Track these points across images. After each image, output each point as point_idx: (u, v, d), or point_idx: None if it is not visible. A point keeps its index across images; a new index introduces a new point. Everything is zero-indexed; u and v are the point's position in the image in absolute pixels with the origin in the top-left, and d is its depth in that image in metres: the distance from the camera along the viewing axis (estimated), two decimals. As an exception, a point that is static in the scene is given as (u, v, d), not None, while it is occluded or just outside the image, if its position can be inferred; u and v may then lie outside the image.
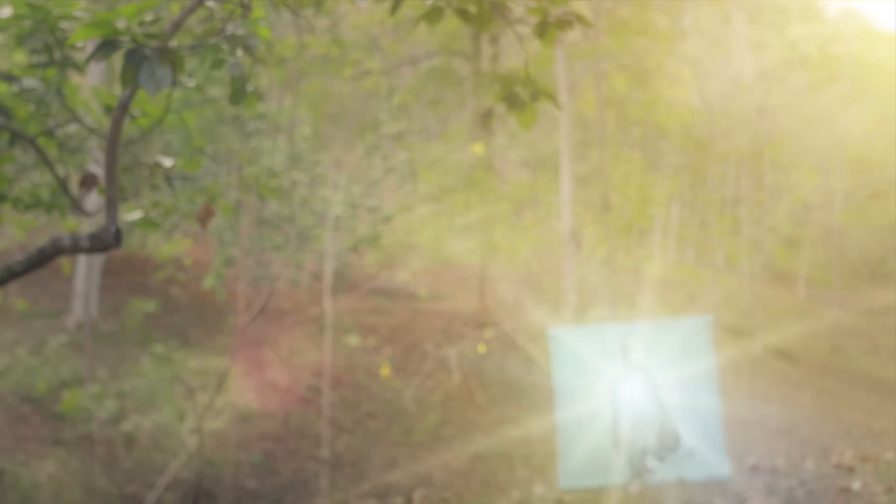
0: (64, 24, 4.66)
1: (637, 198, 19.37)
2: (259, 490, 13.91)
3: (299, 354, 17.42)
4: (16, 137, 4.63)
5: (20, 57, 6.31)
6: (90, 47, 3.11)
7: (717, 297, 21.70)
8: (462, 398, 17.63)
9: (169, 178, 5.11)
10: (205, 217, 4.97)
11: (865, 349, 26.31)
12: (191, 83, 5.34)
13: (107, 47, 2.69)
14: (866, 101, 32.18)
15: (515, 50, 19.86)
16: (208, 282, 16.47)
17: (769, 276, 32.01)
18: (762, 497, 6.73)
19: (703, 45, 22.88)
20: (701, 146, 21.75)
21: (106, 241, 3.06)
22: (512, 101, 3.58)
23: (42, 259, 3.15)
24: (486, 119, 19.19)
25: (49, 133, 4.83)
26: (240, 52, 3.30)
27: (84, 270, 16.58)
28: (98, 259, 17.36)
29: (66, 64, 4.67)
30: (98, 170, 5.47)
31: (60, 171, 5.26)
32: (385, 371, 17.06)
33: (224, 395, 14.63)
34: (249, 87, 3.76)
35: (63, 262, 14.28)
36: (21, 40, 4.72)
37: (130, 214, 5.98)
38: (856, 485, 6.72)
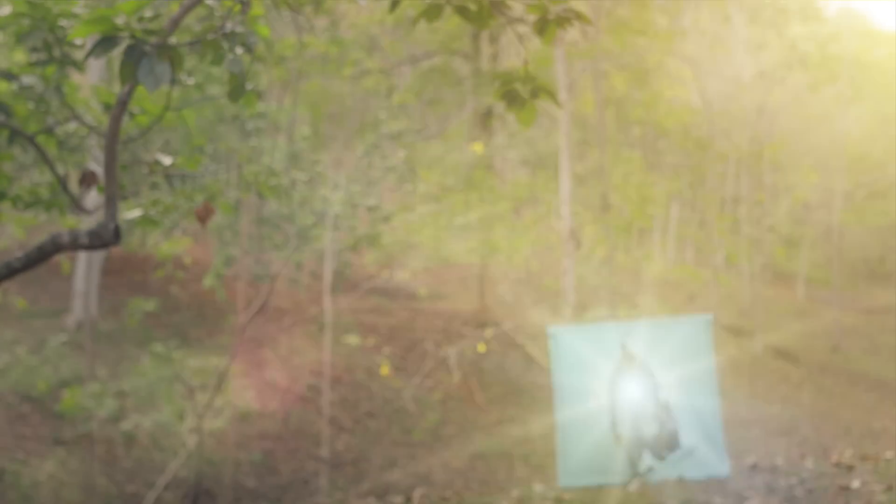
0: (63, 22, 4.66)
1: (636, 197, 19.36)
2: (259, 489, 13.91)
3: (299, 354, 17.42)
4: (15, 135, 4.63)
5: (20, 56, 6.31)
6: (90, 45, 3.11)
7: (716, 297, 21.71)
8: (462, 397, 17.63)
9: (168, 175, 5.11)
10: (204, 215, 4.96)
11: (865, 349, 26.32)
12: (190, 81, 5.34)
13: (106, 43, 2.68)
14: (865, 100, 32.17)
15: (515, 49, 19.86)
16: (208, 281, 16.49)
17: (769, 276, 32.02)
18: (762, 496, 6.73)
19: (702, 45, 22.89)
20: (700, 146, 21.76)
21: (105, 237, 3.06)
22: (511, 98, 3.58)
23: (41, 256, 3.15)
24: (485, 118, 19.20)
25: (48, 131, 4.83)
26: (239, 50, 3.30)
27: (84, 269, 16.57)
28: (98, 258, 17.36)
29: (66, 62, 4.67)
30: (97, 168, 5.47)
31: (60, 169, 5.26)
32: (385, 370, 17.06)
33: (224, 395, 14.63)
34: (249, 86, 3.75)
35: (63, 261, 14.26)
36: (20, 38, 4.72)
37: (130, 212, 5.97)
38: (855, 483, 6.72)
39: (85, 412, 13.23)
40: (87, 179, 4.42)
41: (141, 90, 4.94)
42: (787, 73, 23.64)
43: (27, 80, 4.64)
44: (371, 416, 16.47)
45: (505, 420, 17.27)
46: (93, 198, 13.07)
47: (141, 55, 2.67)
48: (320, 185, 15.71)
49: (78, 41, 4.85)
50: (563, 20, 3.43)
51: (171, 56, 2.78)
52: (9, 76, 4.65)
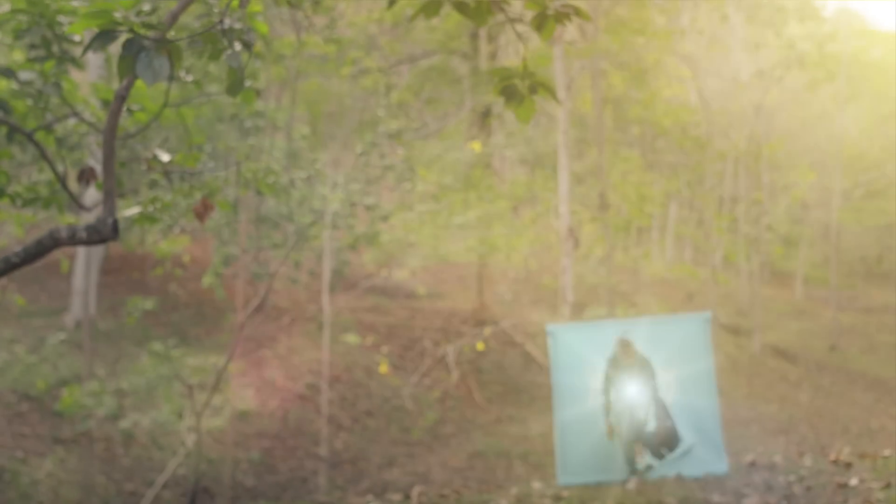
0: (61, 18, 4.66)
1: (635, 196, 19.36)
2: (257, 487, 13.92)
3: (297, 352, 17.43)
4: (14, 132, 4.63)
5: (19, 55, 6.31)
6: (88, 41, 3.11)
7: (714, 296, 21.73)
8: (460, 396, 17.64)
9: (167, 173, 5.11)
10: (203, 212, 4.96)
11: (863, 348, 26.35)
12: (188, 79, 5.34)
13: (104, 37, 2.68)
14: (863, 99, 32.22)
15: (513, 48, 19.86)
16: (207, 280, 16.48)
17: (767, 275, 32.03)
18: (760, 493, 6.73)
19: (700, 44, 22.90)
20: (699, 145, 21.76)
21: (104, 232, 3.06)
22: (510, 94, 3.57)
23: (40, 251, 3.15)
24: (484, 117, 19.20)
25: (47, 128, 4.83)
26: (237, 46, 3.30)
27: (82, 268, 16.57)
28: (96, 257, 17.36)
29: (64, 58, 4.67)
30: (97, 165, 5.47)
31: (59, 167, 5.26)
32: (383, 369, 17.06)
33: (222, 393, 14.63)
34: (247, 83, 3.76)
35: (62, 259, 14.27)
36: (18, 35, 4.71)
37: (129, 210, 5.97)
38: (853, 481, 6.73)
39: (84, 411, 13.22)
40: (86, 176, 4.43)
41: (140, 87, 4.95)
42: (785, 73, 23.65)
43: (25, 75, 4.63)
44: (370, 414, 16.48)
45: (503, 418, 17.28)
46: (91, 195, 13.07)
47: (139, 49, 2.67)
48: (319, 183, 15.71)
49: (77, 38, 4.86)
50: (562, 16, 3.43)
51: (170, 50, 2.78)
52: (7, 73, 4.64)
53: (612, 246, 18.01)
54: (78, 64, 4.85)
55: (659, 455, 7.79)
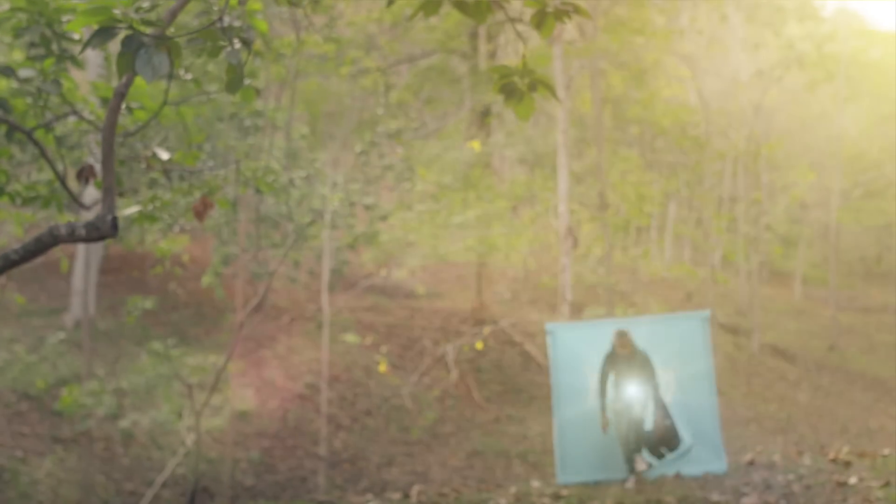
0: (62, 18, 4.66)
1: (634, 196, 19.36)
2: (256, 487, 13.91)
3: (297, 352, 17.42)
4: (13, 130, 4.63)
5: (18, 55, 6.31)
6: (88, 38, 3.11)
7: (713, 296, 21.72)
8: (459, 395, 17.64)
9: (167, 171, 5.11)
10: (202, 210, 4.97)
11: (862, 347, 26.36)
12: (187, 77, 5.34)
13: (103, 34, 2.68)
14: (862, 100, 32.23)
15: (513, 48, 19.86)
16: (206, 279, 16.48)
17: (766, 275, 32.05)
18: (759, 492, 6.74)
19: (700, 44, 22.90)
20: (698, 144, 21.76)
21: (103, 229, 3.06)
22: (510, 91, 3.57)
23: (39, 248, 3.14)
24: (483, 117, 19.20)
25: (47, 126, 4.82)
26: (237, 44, 3.31)
27: (82, 268, 16.57)
28: (96, 256, 17.35)
29: (64, 56, 4.67)
30: (96, 164, 5.47)
31: (59, 166, 5.26)
32: (383, 367, 17.06)
33: (222, 393, 14.63)
34: (247, 81, 3.76)
35: (61, 259, 14.26)
36: (17, 33, 4.71)
37: (128, 209, 5.98)
38: (852, 479, 6.73)
39: (83, 410, 13.22)
40: (85, 174, 4.42)
41: (139, 85, 4.95)
42: (785, 73, 23.66)
43: (25, 73, 4.63)
44: (369, 414, 16.48)
45: (502, 418, 17.28)
46: (91, 194, 13.06)
47: (139, 46, 2.67)
48: (318, 183, 15.71)
49: (76, 37, 4.86)
50: (562, 13, 3.43)
51: (169, 47, 2.78)
52: (7, 71, 4.64)
53: (611, 245, 18.01)
54: (77, 62, 4.85)
55: (658, 454, 7.78)
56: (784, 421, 19.60)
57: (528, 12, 3.64)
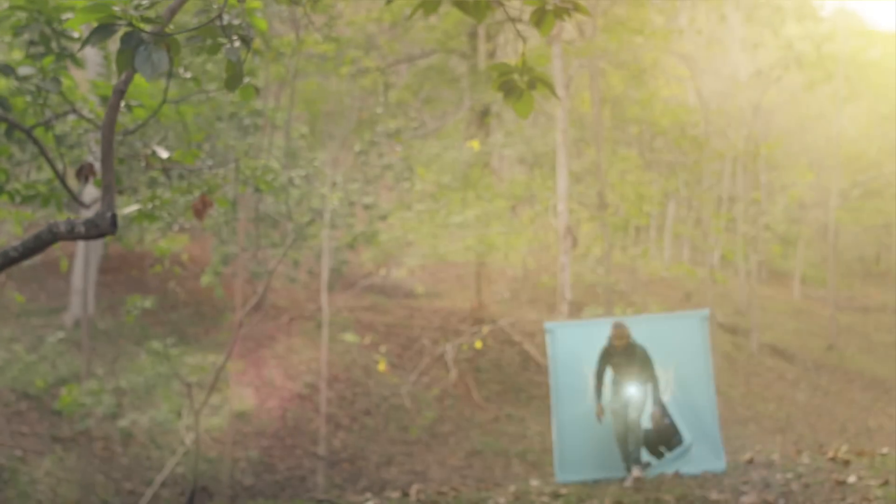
0: (62, 16, 4.66)
1: (633, 195, 19.35)
2: (256, 486, 13.92)
3: (296, 352, 17.43)
4: (13, 128, 4.63)
5: (18, 54, 6.31)
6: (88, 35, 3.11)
7: (712, 295, 21.72)
8: (459, 395, 17.65)
9: (166, 169, 5.12)
10: (201, 208, 4.97)
11: (860, 347, 26.38)
12: (187, 75, 5.35)
13: (102, 31, 2.68)
14: (861, 99, 32.25)
15: (512, 47, 19.86)
16: (206, 278, 16.49)
17: (765, 274, 32.08)
18: (758, 491, 6.73)
19: (699, 44, 22.90)
20: (697, 144, 21.75)
21: (102, 226, 3.06)
22: (509, 89, 3.57)
23: (38, 245, 3.15)
24: (482, 116, 19.21)
25: (46, 124, 4.83)
26: (236, 42, 3.32)
27: (81, 267, 16.58)
28: (95, 256, 17.35)
29: (63, 55, 4.67)
30: (95, 163, 5.48)
31: (58, 165, 5.26)
32: (382, 366, 17.07)
33: (221, 392, 14.63)
34: (246, 79, 3.76)
35: (61, 258, 14.26)
36: (17, 31, 4.71)
37: (128, 208, 5.98)
38: (851, 478, 6.73)
39: (82, 409, 13.23)
40: (85, 172, 4.43)
41: (138, 84, 4.95)
42: (783, 73, 23.66)
43: (24, 71, 4.63)
44: (368, 413, 16.48)
45: (501, 417, 17.28)
46: (90, 193, 13.05)
47: (138, 43, 2.67)
48: (317, 182, 15.72)
49: (75, 35, 4.86)
50: (561, 11, 3.43)
51: (169, 44, 2.78)
52: (6, 70, 4.65)
53: (610, 245, 18.02)
54: (77, 61, 4.86)
55: (657, 453, 7.78)
56: (783, 420, 19.62)
57: (528, 11, 3.64)
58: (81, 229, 3.09)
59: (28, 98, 4.93)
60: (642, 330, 7.68)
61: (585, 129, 20.27)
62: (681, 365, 7.89)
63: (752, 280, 25.12)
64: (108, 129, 3.03)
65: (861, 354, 25.60)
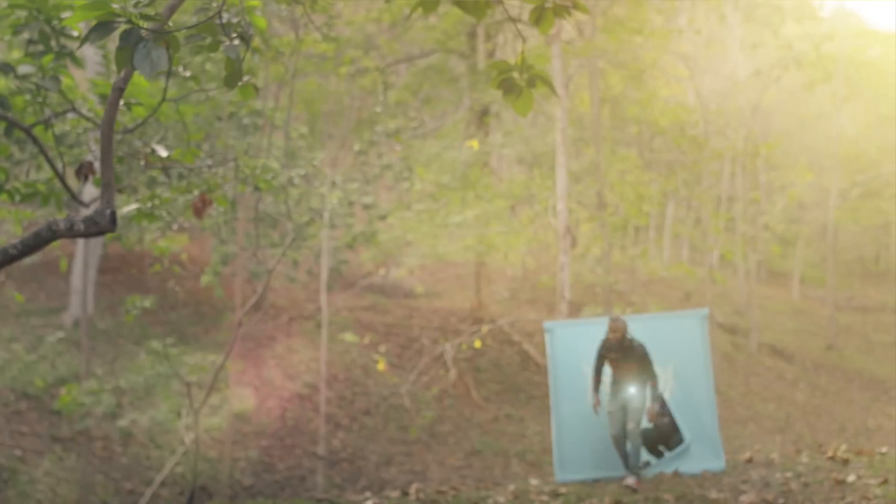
0: (60, 14, 4.66)
1: (632, 195, 19.34)
2: (255, 486, 13.91)
3: (296, 351, 17.43)
4: (12, 127, 4.63)
5: (17, 54, 6.31)
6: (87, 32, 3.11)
7: (711, 295, 21.73)
8: (458, 394, 17.64)
9: (165, 168, 5.12)
10: (201, 207, 4.96)
11: (859, 347, 26.38)
12: (186, 74, 5.34)
13: (102, 28, 2.68)
14: (860, 99, 32.27)
15: (511, 47, 19.87)
16: (205, 278, 16.49)
17: (764, 274, 32.09)
18: (757, 490, 6.73)
19: (698, 44, 22.90)
20: (696, 144, 21.75)
21: (101, 224, 3.06)
22: (509, 86, 3.57)
23: (38, 242, 3.15)
24: (481, 116, 19.21)
25: (46, 122, 4.83)
26: (236, 40, 3.32)
27: (81, 267, 16.58)
28: (94, 256, 17.35)
29: (63, 53, 4.67)
30: (96, 161, 5.47)
31: (58, 164, 5.26)
32: (381, 365, 17.07)
33: (221, 392, 14.63)
34: (246, 77, 3.77)
35: (60, 258, 14.26)
36: (16, 30, 4.71)
37: (127, 207, 5.98)
38: (850, 477, 6.73)
39: (82, 409, 13.23)
40: (84, 170, 4.43)
41: (138, 83, 4.95)
42: (783, 73, 23.68)
43: (24, 69, 4.63)
44: (367, 413, 16.48)
45: (501, 417, 17.28)
46: (90, 192, 13.05)
47: (138, 40, 2.67)
48: (317, 182, 15.72)
49: (75, 34, 4.86)
50: (561, 8, 3.43)
51: (168, 41, 2.78)
52: (6, 68, 4.65)
53: (609, 245, 18.01)
54: (77, 60, 4.86)
55: (657, 452, 7.78)
56: (782, 420, 19.62)
57: (527, 10, 3.64)
58: (81, 227, 3.09)
59: (27, 97, 4.93)
60: (642, 329, 7.66)
61: (585, 129, 20.27)
62: (680, 364, 7.88)
63: (751, 280, 25.13)
64: (108, 126, 3.03)
65: (860, 354, 25.61)
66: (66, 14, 4.60)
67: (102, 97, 5.06)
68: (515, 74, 3.55)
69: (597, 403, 7.41)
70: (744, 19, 23.96)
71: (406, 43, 20.24)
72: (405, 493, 7.25)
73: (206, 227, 16.70)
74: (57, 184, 5.60)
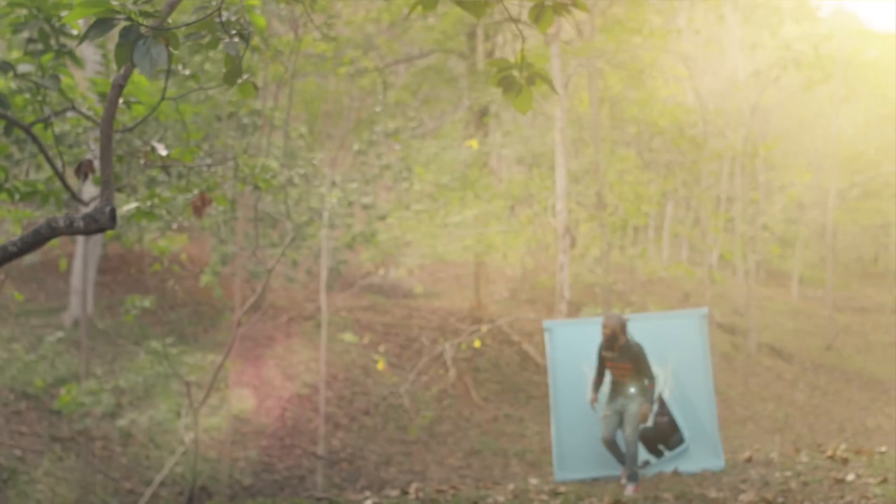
0: (60, 12, 4.66)
1: (631, 195, 19.34)
2: (254, 486, 13.91)
3: (295, 351, 17.43)
4: (12, 126, 4.63)
5: (17, 54, 6.31)
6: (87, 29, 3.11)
7: (711, 295, 21.74)
8: (457, 394, 17.64)
9: (165, 167, 5.12)
10: (200, 206, 4.97)
11: (858, 347, 26.39)
12: (186, 72, 5.35)
13: (101, 25, 2.68)
14: (859, 100, 32.30)
15: (510, 47, 19.87)
16: (205, 278, 16.49)
17: (763, 274, 32.10)
18: (757, 489, 6.74)
19: (697, 44, 22.91)
20: (695, 144, 21.76)
21: (101, 221, 3.06)
22: (508, 84, 3.57)
23: (37, 240, 3.14)
24: (481, 116, 19.21)
25: (45, 121, 4.83)
26: (235, 38, 3.32)
27: (80, 267, 16.58)
28: (94, 255, 17.35)
29: (62, 52, 4.67)
30: (95, 160, 5.48)
31: (57, 163, 5.26)
32: (380, 365, 17.06)
33: (220, 392, 14.63)
34: (245, 76, 3.77)
35: (60, 258, 14.27)
36: (16, 28, 4.72)
37: (127, 206, 5.98)
38: (849, 476, 6.73)
39: (81, 409, 13.23)
40: (84, 168, 4.43)
41: (137, 81, 4.96)
42: (782, 73, 23.68)
43: (23, 68, 4.63)
44: (367, 413, 16.48)
45: (500, 416, 17.28)
46: (90, 191, 13.05)
47: (137, 37, 2.67)
48: (316, 182, 15.72)
49: (74, 33, 4.86)
50: (560, 7, 3.43)
51: (168, 38, 2.78)
52: (6, 67, 4.65)
53: (608, 245, 18.00)
54: (76, 60, 4.86)
55: (657, 452, 7.78)
56: (781, 420, 19.63)
57: (527, 10, 3.63)
58: (80, 224, 3.08)
59: (27, 95, 4.93)
60: (641, 329, 7.66)
61: (584, 129, 20.28)
62: (679, 363, 7.87)
63: (750, 280, 25.13)
64: (107, 123, 3.03)
65: (859, 354, 25.62)
66: (65, 13, 4.60)
67: (102, 96, 5.06)
68: (515, 72, 3.55)
69: (594, 400, 7.39)
70: (743, 20, 23.99)
71: (405, 43, 20.24)
72: (405, 493, 7.25)
73: (206, 227, 16.70)
74: (56, 183, 5.61)
